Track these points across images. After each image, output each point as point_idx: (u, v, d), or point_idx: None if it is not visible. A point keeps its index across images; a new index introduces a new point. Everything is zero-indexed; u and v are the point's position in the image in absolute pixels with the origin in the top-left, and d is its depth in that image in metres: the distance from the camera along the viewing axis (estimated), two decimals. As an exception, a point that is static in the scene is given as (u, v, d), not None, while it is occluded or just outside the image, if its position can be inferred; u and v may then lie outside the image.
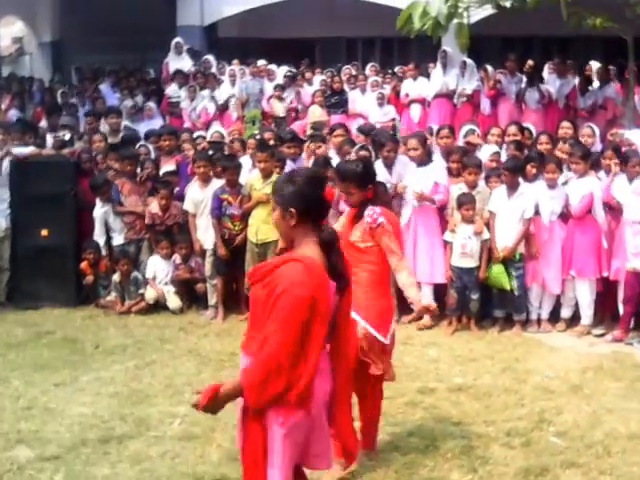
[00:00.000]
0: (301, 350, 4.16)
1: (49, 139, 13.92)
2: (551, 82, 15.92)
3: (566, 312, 10.14)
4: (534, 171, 10.16)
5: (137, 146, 12.74)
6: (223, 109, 17.16)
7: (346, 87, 17.20)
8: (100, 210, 11.28)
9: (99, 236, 11.35)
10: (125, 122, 16.27)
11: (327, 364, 4.44)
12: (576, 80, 15.94)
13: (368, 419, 6.56)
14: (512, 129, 11.68)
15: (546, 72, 16.41)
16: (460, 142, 11.62)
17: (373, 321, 6.16)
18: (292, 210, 4.31)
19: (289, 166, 10.81)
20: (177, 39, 19.51)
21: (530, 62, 16.19)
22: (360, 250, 6.21)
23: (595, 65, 16.83)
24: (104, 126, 14.72)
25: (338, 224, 6.40)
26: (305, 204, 4.30)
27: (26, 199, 11.03)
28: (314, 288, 4.13)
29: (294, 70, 18.27)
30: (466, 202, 9.93)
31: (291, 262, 4.22)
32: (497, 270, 9.83)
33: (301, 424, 4.28)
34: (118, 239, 11.32)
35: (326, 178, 4.39)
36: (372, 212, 6.09)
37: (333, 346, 4.46)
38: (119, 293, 10.99)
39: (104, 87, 18.71)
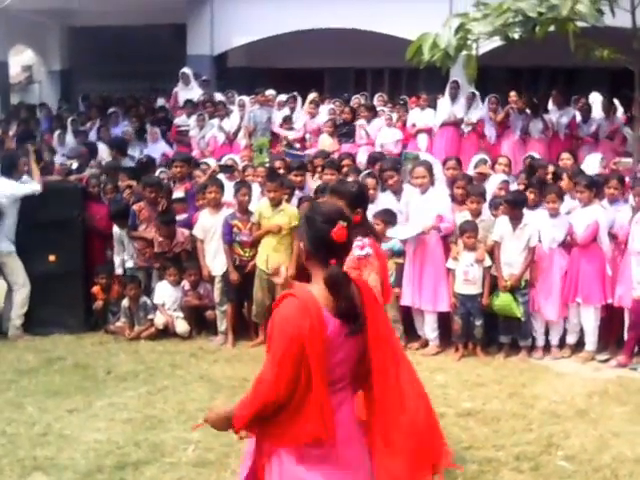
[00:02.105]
0: (307, 390, 4.10)
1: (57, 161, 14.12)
2: (552, 113, 16.12)
3: (571, 338, 10.23)
4: (532, 196, 10.33)
5: (158, 172, 12.89)
6: (232, 138, 17.32)
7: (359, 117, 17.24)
8: (118, 230, 11.40)
9: (117, 254, 11.42)
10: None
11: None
12: (575, 111, 16.13)
13: None
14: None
15: (550, 103, 16.59)
16: (471, 172, 11.75)
17: None
18: (302, 245, 4.35)
19: (296, 195, 10.97)
20: (184, 69, 19.63)
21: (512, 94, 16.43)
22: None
23: (596, 96, 16.96)
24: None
25: None
26: (310, 240, 4.28)
27: (34, 225, 11.02)
28: (304, 327, 4.05)
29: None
30: (468, 230, 10.03)
31: (288, 297, 4.18)
32: (506, 299, 9.91)
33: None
34: (130, 262, 11.40)
35: (339, 216, 4.20)
36: (361, 243, 6.01)
37: (367, 394, 4.36)
38: (128, 319, 11.06)
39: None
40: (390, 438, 4.32)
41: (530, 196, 10.34)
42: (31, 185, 11.03)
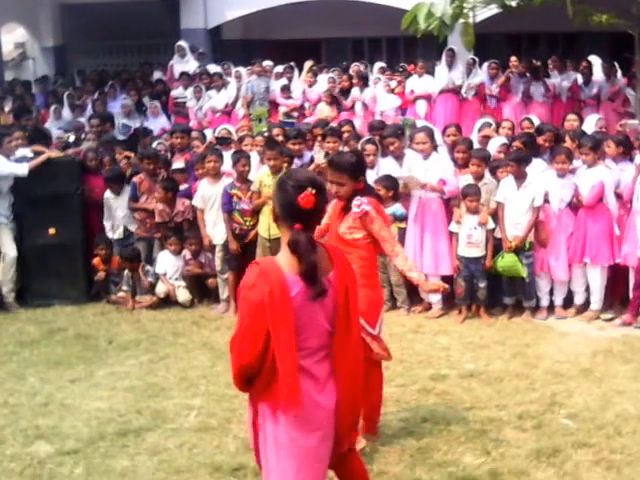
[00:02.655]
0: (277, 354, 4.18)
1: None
2: (553, 77, 16.09)
3: (578, 299, 10.19)
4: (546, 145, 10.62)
5: (156, 143, 12.91)
6: (230, 108, 17.26)
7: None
8: (108, 195, 11.51)
9: (107, 219, 11.53)
10: (123, 120, 16.51)
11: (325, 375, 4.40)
12: (577, 74, 16.11)
13: (369, 403, 6.44)
14: (526, 124, 12.02)
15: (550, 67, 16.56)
16: (475, 136, 11.72)
17: (363, 313, 6.14)
18: (273, 208, 4.43)
19: (295, 163, 10.91)
20: (179, 42, 19.61)
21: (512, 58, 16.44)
22: (348, 243, 6.26)
23: (595, 59, 16.91)
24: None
25: (325, 218, 6.37)
26: (278, 204, 4.36)
27: (33, 198, 11.05)
28: (264, 292, 4.14)
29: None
30: (470, 193, 10.00)
31: (252, 265, 4.31)
32: (510, 259, 9.88)
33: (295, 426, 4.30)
34: (120, 230, 11.51)
35: (309, 183, 4.24)
36: (359, 202, 6.09)
37: (336, 349, 4.37)
38: (130, 287, 11.06)
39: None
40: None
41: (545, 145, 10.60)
42: (19, 167, 11.01)
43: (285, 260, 4.22)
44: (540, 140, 11.02)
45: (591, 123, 11.83)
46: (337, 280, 4.30)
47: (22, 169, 10.97)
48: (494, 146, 11.15)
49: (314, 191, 4.18)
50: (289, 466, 4.32)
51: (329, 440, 4.41)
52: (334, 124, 13.35)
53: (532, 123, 12.09)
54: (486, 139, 11.51)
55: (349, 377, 4.39)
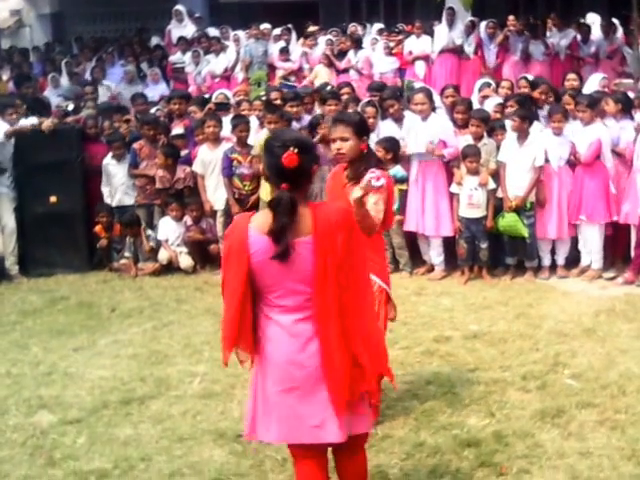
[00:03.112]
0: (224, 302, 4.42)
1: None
2: (552, 35, 16.02)
3: (585, 259, 10.16)
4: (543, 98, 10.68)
5: (154, 110, 12.90)
6: (229, 73, 17.18)
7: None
8: (106, 162, 11.50)
9: (105, 185, 11.52)
10: (124, 87, 16.46)
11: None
12: (576, 32, 16.03)
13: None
14: (522, 82, 11.91)
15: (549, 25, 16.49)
16: (475, 96, 11.66)
17: (383, 277, 6.11)
18: (263, 171, 4.53)
19: (293, 125, 10.85)
20: (177, 7, 19.47)
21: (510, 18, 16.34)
22: None
23: (594, 17, 16.82)
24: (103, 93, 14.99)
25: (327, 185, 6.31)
26: (266, 167, 4.42)
27: (33, 167, 11.02)
28: (232, 240, 4.34)
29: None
30: (470, 154, 9.95)
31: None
32: (511, 219, 9.88)
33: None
34: (117, 197, 11.49)
35: (293, 143, 4.25)
36: (375, 174, 5.79)
37: (316, 312, 4.33)
38: (132, 254, 11.05)
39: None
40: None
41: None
42: (25, 122, 11.08)
43: (261, 218, 4.30)
44: (536, 94, 11.04)
45: (594, 82, 11.75)
46: (315, 245, 4.25)
47: (29, 121, 11.01)
48: (490, 106, 11.09)
49: (296, 150, 4.20)
50: (271, 420, 4.40)
51: (313, 400, 4.36)
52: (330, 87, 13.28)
53: (529, 82, 11.97)
54: (486, 99, 11.43)
55: (332, 341, 4.31)
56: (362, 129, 6.08)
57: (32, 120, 11.46)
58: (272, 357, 4.36)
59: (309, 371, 4.33)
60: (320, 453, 4.52)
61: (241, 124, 10.72)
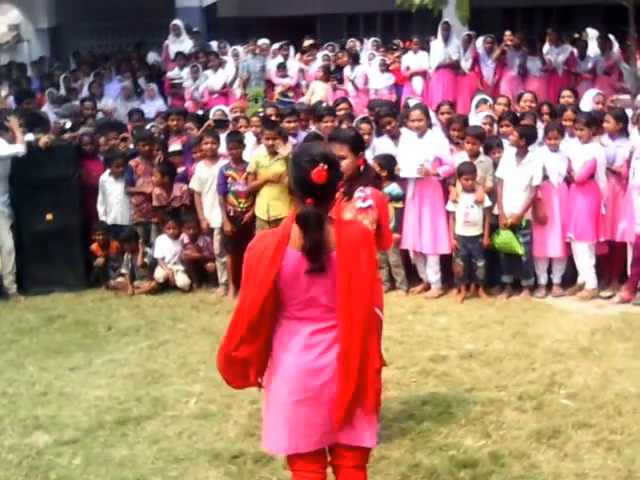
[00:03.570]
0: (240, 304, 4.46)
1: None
2: (549, 51, 16.05)
3: (581, 277, 10.14)
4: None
5: (149, 126, 12.87)
6: (227, 89, 17.20)
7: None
8: (103, 179, 11.46)
9: (101, 204, 11.48)
10: (121, 103, 16.47)
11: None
12: (573, 48, 16.08)
13: None
14: (528, 96, 11.89)
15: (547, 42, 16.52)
16: (472, 112, 11.66)
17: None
18: (287, 182, 4.52)
19: (290, 141, 10.85)
20: (174, 22, 19.53)
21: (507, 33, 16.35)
22: None
23: (592, 32, 16.87)
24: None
25: None
26: (292, 179, 4.44)
27: (29, 184, 10.98)
28: (255, 252, 4.34)
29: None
30: (466, 171, 9.96)
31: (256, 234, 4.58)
32: (507, 236, 9.87)
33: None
34: (112, 215, 11.45)
35: (322, 159, 4.29)
36: (363, 194, 5.89)
37: (339, 327, 4.39)
38: (129, 271, 11.03)
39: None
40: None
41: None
42: (14, 147, 10.89)
43: (293, 232, 4.32)
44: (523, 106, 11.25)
45: (589, 98, 11.75)
46: (340, 260, 4.32)
47: (18, 148, 10.88)
48: (479, 119, 11.10)
49: (326, 166, 4.25)
50: (282, 431, 4.43)
51: (327, 408, 4.38)
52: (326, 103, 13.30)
53: (535, 99, 11.95)
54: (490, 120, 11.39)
55: (353, 348, 4.37)
56: (358, 145, 6.10)
57: (28, 137, 11.45)
58: (288, 367, 4.40)
59: (325, 380, 4.37)
60: (321, 468, 4.55)
61: (234, 141, 10.69)
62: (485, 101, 11.91)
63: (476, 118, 11.21)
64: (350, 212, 5.87)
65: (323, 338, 4.38)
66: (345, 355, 4.33)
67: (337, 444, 4.46)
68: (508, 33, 16.38)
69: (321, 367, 4.37)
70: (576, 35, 16.66)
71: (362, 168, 6.05)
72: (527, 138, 9.91)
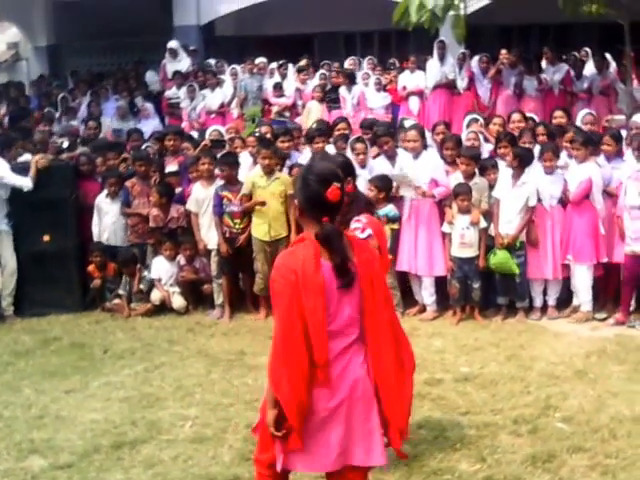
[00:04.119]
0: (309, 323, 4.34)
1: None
2: (545, 70, 16.08)
3: (576, 299, 10.14)
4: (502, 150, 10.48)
5: (144, 146, 12.86)
6: (224, 109, 17.23)
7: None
8: (99, 201, 11.46)
9: (96, 224, 11.46)
10: (116, 123, 16.50)
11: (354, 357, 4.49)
12: (569, 66, 16.12)
13: None
14: (516, 117, 11.92)
15: (543, 61, 16.55)
16: (464, 131, 11.68)
17: None
18: (296, 202, 4.56)
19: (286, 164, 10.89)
20: (171, 44, 19.46)
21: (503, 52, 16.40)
22: None
23: (588, 51, 16.91)
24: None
25: None
26: (304, 199, 4.47)
27: (27, 205, 10.98)
28: (296, 264, 4.32)
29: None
30: (462, 192, 9.97)
31: (283, 251, 4.62)
32: (503, 256, 9.86)
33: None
34: (105, 235, 11.44)
35: (334, 177, 4.41)
36: (360, 225, 5.89)
37: (368, 337, 4.49)
38: (126, 293, 11.03)
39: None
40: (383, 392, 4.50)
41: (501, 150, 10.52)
42: (24, 180, 10.93)
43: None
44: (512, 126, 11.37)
45: (579, 118, 11.78)
46: (361, 271, 4.42)
47: (27, 182, 10.92)
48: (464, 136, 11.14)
49: (339, 184, 4.36)
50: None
51: (340, 430, 4.44)
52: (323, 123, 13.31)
53: (525, 118, 12.00)
54: (475, 135, 11.38)
55: (385, 362, 4.48)
56: (347, 171, 6.04)
57: (26, 157, 11.47)
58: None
59: (341, 398, 4.42)
60: None
61: (226, 163, 10.70)
62: (476, 120, 11.92)
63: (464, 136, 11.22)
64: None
65: (344, 355, 4.43)
66: (378, 363, 4.45)
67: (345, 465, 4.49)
68: (504, 51, 16.40)
69: (341, 384, 4.41)
70: (575, 53, 16.65)
71: (351, 194, 6.03)
72: (521, 160, 9.92)
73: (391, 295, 4.84)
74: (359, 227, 5.83)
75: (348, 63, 18.51)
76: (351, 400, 4.42)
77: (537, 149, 10.47)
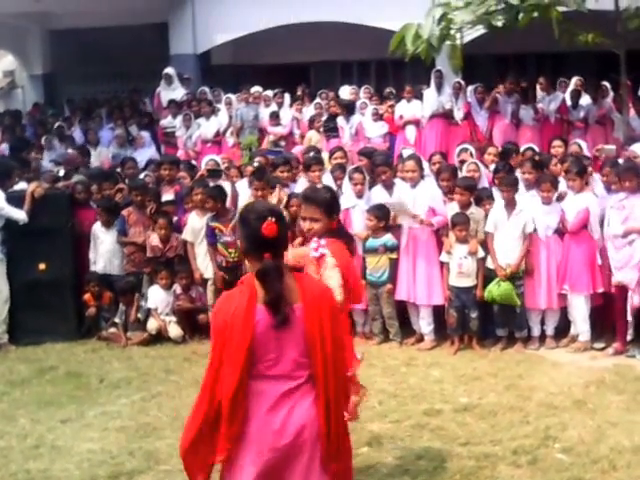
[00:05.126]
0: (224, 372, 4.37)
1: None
2: (541, 99, 16.13)
3: (574, 328, 10.10)
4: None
5: (142, 175, 12.87)
6: (220, 137, 17.24)
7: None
8: (95, 229, 11.44)
9: (92, 252, 11.44)
10: (114, 151, 16.51)
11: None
12: (564, 94, 16.17)
13: None
14: (491, 150, 12.22)
15: (538, 90, 16.60)
16: (455, 161, 11.69)
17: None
18: (238, 243, 4.69)
19: (284, 191, 10.87)
20: (167, 70, 19.52)
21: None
22: None
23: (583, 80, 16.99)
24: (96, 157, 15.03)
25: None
26: (244, 237, 4.54)
27: (22, 233, 10.93)
28: (227, 312, 4.35)
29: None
30: (459, 222, 9.97)
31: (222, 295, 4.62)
32: (507, 287, 9.79)
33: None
34: (100, 264, 11.40)
35: (269, 213, 4.40)
36: (316, 244, 5.80)
37: (316, 381, 4.45)
38: (123, 321, 10.98)
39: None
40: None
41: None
42: (19, 213, 10.90)
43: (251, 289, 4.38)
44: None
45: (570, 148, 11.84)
46: (306, 312, 4.38)
47: (22, 216, 10.90)
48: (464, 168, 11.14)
49: (274, 219, 4.35)
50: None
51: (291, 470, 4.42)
52: (324, 153, 13.31)
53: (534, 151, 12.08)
54: (463, 163, 11.39)
55: (329, 407, 4.44)
56: (332, 208, 6.04)
57: (22, 185, 11.45)
58: (253, 432, 4.39)
59: (290, 440, 4.38)
60: None
61: (211, 196, 10.75)
62: (466, 150, 11.94)
63: (461, 166, 11.24)
64: (310, 266, 5.76)
65: (290, 398, 4.40)
66: (324, 410, 4.40)
67: None
68: (501, 86, 16.45)
69: (286, 427, 4.37)
70: (565, 79, 16.75)
71: (335, 229, 6.01)
72: (508, 186, 9.98)
73: (347, 334, 4.78)
74: (314, 246, 5.77)
75: (349, 92, 18.54)
76: (294, 445, 4.39)
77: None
